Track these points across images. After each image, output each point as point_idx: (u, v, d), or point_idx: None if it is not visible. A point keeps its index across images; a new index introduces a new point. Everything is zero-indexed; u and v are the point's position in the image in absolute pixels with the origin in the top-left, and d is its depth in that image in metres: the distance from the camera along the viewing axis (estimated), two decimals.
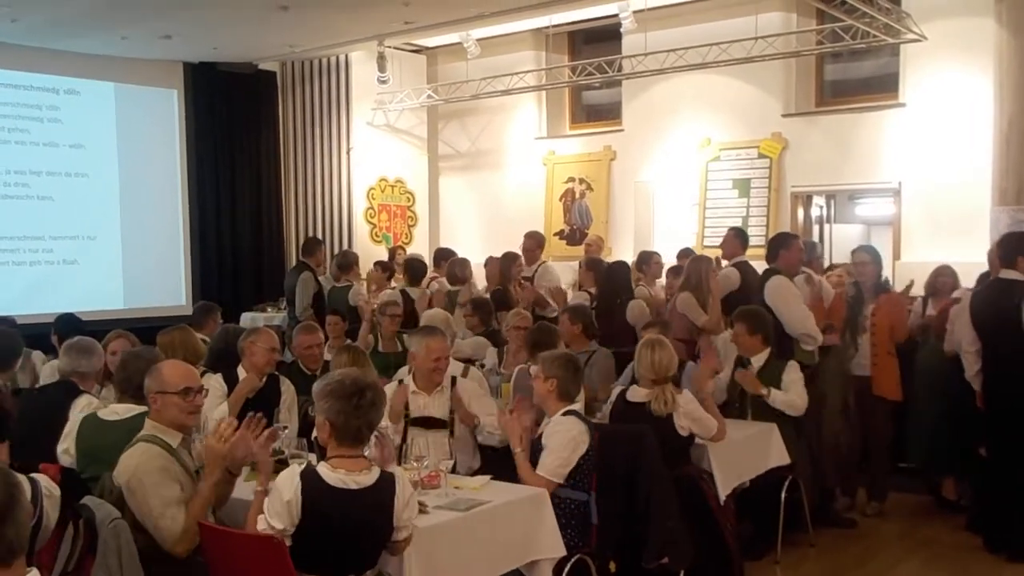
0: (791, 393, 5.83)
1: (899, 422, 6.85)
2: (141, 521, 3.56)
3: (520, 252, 9.10)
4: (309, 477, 3.39)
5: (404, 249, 11.83)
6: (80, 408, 4.66)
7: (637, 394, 5.24)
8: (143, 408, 4.12)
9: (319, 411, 3.50)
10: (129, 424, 4.04)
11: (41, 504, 3.04)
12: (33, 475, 3.08)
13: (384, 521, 3.42)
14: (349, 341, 7.39)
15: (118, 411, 4.23)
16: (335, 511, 3.36)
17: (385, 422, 4.67)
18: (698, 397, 5.24)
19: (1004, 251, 5.96)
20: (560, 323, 6.63)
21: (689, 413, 5.13)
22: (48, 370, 6.05)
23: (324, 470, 3.41)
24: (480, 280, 9.72)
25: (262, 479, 3.62)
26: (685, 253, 9.28)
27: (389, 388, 5.13)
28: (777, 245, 6.78)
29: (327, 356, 6.41)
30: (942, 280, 7.25)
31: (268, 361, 5.40)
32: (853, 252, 7.21)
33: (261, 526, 3.41)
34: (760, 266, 7.89)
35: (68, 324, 6.91)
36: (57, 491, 3.18)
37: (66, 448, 4.38)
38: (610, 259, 9.81)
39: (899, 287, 7.76)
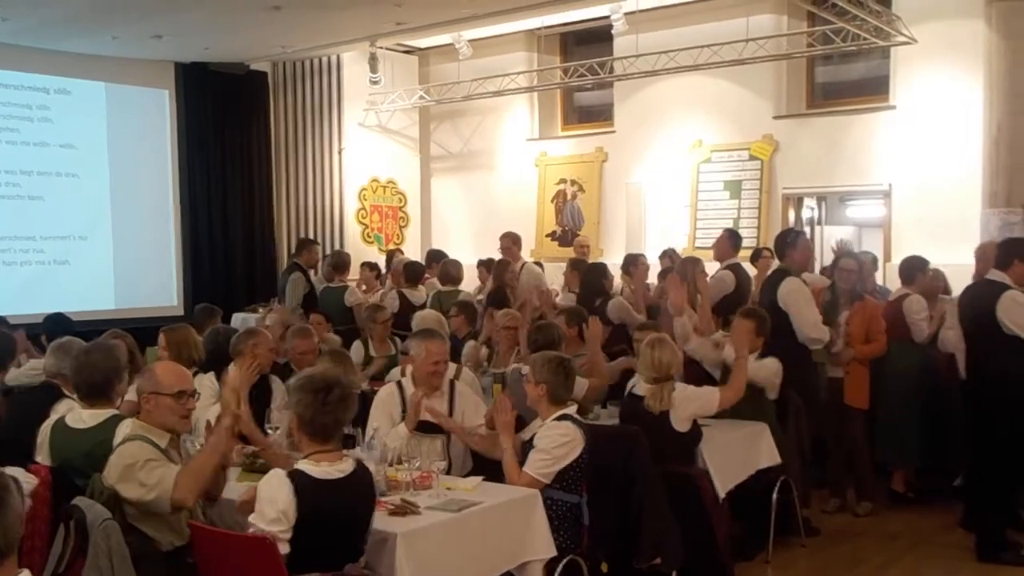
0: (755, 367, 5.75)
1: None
2: (138, 503, 3.52)
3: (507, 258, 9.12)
4: (297, 476, 3.40)
5: (402, 251, 11.83)
6: (60, 413, 4.57)
7: (641, 389, 5.28)
8: (110, 412, 4.08)
9: (290, 404, 3.55)
10: (97, 433, 3.98)
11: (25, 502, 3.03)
12: (12, 471, 3.05)
13: (368, 506, 3.49)
14: (341, 342, 7.40)
15: (84, 418, 4.11)
16: (328, 502, 3.38)
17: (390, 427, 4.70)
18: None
19: (1002, 252, 5.92)
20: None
21: (686, 399, 5.13)
22: (29, 368, 5.97)
23: (307, 466, 3.43)
24: (471, 282, 9.72)
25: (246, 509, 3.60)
26: (666, 254, 9.33)
27: (385, 390, 5.12)
28: (783, 244, 6.71)
29: None
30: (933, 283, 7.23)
31: (270, 361, 5.49)
32: (840, 257, 7.21)
33: (252, 529, 3.40)
34: (749, 268, 7.93)
35: (57, 324, 6.88)
36: (35, 479, 3.18)
37: (41, 458, 4.28)
38: (599, 261, 9.84)
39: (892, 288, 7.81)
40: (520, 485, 4.31)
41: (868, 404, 6.69)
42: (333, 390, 3.45)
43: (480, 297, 8.74)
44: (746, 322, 5.95)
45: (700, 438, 5.22)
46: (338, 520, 3.40)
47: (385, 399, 5.00)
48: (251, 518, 3.41)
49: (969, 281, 6.59)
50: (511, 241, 9.42)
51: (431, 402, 4.96)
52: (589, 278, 8.02)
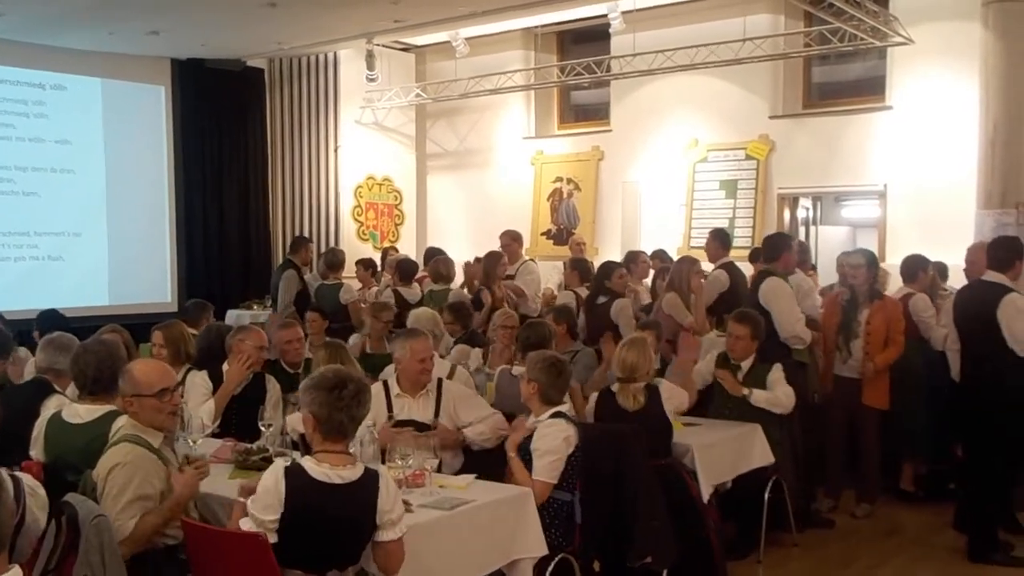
0: (776, 391, 5.84)
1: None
2: (103, 511, 3.48)
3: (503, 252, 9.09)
4: (293, 471, 3.39)
5: (396, 249, 11.83)
6: (51, 409, 4.55)
7: (616, 386, 5.32)
8: (107, 408, 4.06)
9: (303, 404, 3.51)
10: (95, 428, 3.97)
11: (24, 502, 3.02)
12: (16, 473, 3.06)
13: (367, 517, 3.41)
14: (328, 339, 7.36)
15: (81, 413, 4.10)
16: (319, 505, 3.36)
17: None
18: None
19: (1002, 252, 5.83)
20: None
21: (669, 398, 5.24)
22: (31, 366, 5.98)
23: (309, 464, 3.42)
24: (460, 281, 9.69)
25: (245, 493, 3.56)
26: (657, 254, 9.33)
27: (374, 388, 5.12)
28: (776, 247, 6.77)
29: (308, 354, 6.37)
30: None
31: (257, 360, 5.41)
32: (848, 254, 7.19)
33: (247, 526, 3.40)
34: (744, 266, 7.97)
35: (51, 320, 6.84)
36: (42, 490, 3.17)
37: (36, 453, 4.25)
38: (594, 260, 9.83)
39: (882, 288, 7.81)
40: (537, 493, 4.31)
41: (888, 404, 6.65)
42: (347, 386, 3.42)
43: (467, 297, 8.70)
44: (740, 327, 5.97)
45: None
46: (327, 525, 3.36)
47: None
48: (248, 502, 3.41)
49: (963, 281, 6.60)
50: (511, 238, 9.40)
51: (416, 403, 4.96)
52: (597, 276, 8.00)
